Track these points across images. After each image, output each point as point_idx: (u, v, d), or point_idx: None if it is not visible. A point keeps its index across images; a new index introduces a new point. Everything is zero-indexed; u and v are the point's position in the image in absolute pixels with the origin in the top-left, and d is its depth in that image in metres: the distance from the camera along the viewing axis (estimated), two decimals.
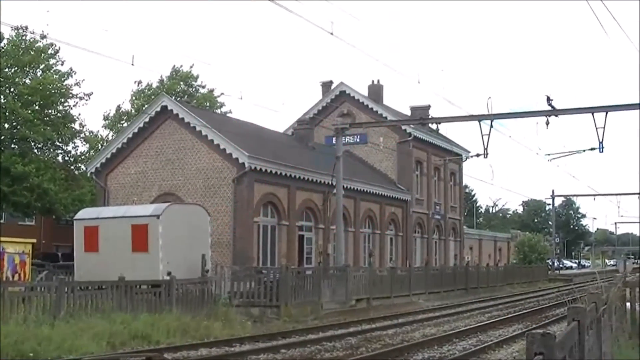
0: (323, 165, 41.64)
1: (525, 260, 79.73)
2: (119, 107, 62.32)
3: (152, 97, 54.77)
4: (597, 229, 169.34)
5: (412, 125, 53.69)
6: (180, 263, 27.71)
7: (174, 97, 51.12)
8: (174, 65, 63.05)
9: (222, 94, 63.75)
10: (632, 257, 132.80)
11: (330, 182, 39.45)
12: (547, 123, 31.20)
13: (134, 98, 62.39)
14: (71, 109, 52.29)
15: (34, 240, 38.42)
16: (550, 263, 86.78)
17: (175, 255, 27.99)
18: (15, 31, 48.54)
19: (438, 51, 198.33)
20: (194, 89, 64.23)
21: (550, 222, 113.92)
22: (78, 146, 55.58)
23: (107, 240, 29.68)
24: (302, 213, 42.28)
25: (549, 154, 40.44)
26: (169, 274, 25.83)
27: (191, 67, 63.43)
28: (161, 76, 62.03)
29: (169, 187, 39.48)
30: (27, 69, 49.81)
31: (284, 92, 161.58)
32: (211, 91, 64.53)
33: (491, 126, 32.48)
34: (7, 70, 47.92)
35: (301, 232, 42.41)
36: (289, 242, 40.57)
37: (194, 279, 27.25)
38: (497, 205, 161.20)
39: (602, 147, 30.65)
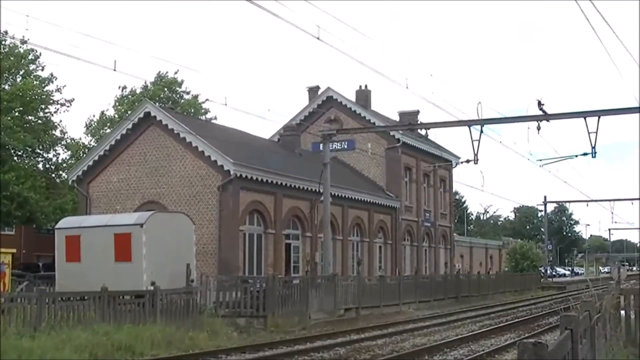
0: (310, 172, 41.61)
1: (517, 268, 79.83)
2: (102, 113, 62.18)
3: (136, 103, 54.62)
4: (591, 235, 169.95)
5: (400, 131, 53.73)
6: (165, 273, 27.60)
7: (157, 104, 51.03)
8: (159, 72, 62.93)
9: (206, 100, 63.63)
10: (627, 264, 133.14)
11: (317, 190, 39.42)
12: (539, 128, 31.27)
13: (117, 104, 62.27)
14: (52, 115, 52.31)
15: (14, 250, 38.30)
16: (543, 271, 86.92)
17: (159, 265, 27.89)
18: None
19: (427, 56, 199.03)
20: (178, 95, 64.15)
21: (542, 229, 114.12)
22: (59, 153, 55.57)
23: (89, 249, 29.55)
24: (289, 221, 42.24)
25: (540, 160, 40.53)
26: (152, 284, 25.72)
27: (176, 72, 63.38)
28: (145, 82, 61.92)
29: (153, 195, 39.37)
30: (7, 75, 49.70)
31: (270, 98, 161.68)
32: (195, 97, 64.48)
33: (481, 131, 32.51)
34: None
35: (288, 241, 42.35)
36: (276, 251, 40.51)
37: (179, 289, 27.16)
38: (488, 212, 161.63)
39: (595, 152, 30.76)
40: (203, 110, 64.22)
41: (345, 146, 53.88)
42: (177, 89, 64.08)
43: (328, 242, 37.86)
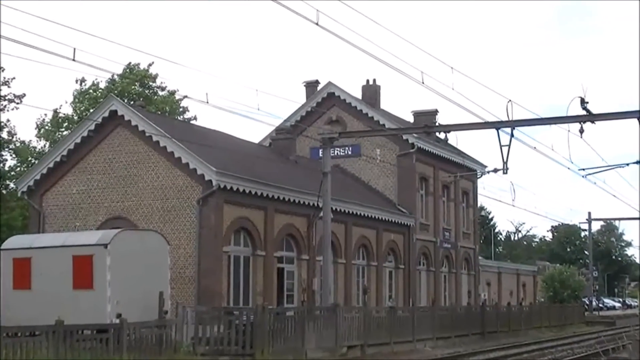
0: (307, 183, 41.65)
1: (556, 299, 79.92)
2: (56, 112, 61.74)
3: (100, 99, 54.53)
4: None
5: (415, 135, 53.79)
6: (133, 303, 27.63)
7: (126, 101, 50.99)
8: (129, 62, 62.29)
9: (185, 96, 63.52)
10: None
11: (316, 204, 39.42)
12: (582, 131, 31.27)
13: (76, 100, 62.03)
14: None
15: None
16: (587, 302, 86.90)
17: (126, 293, 27.92)
18: None
19: (446, 45, 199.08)
20: (151, 91, 63.97)
21: (586, 252, 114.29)
22: (6, 159, 55.48)
23: (42, 275, 29.57)
24: (281, 241, 42.24)
25: (583, 169, 40.50)
26: (118, 316, 25.75)
27: (150, 65, 63.06)
28: (113, 75, 60.79)
29: (120, 209, 39.36)
30: None
31: (260, 95, 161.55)
32: (172, 93, 64.30)
33: (512, 135, 32.55)
34: None
35: (281, 265, 42.36)
36: (266, 277, 40.49)
37: (150, 322, 27.17)
38: (520, 231, 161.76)
39: None
40: (181, 109, 64.23)
41: (350, 152, 54.06)
42: (151, 83, 63.91)
43: (328, 266, 37.82)
